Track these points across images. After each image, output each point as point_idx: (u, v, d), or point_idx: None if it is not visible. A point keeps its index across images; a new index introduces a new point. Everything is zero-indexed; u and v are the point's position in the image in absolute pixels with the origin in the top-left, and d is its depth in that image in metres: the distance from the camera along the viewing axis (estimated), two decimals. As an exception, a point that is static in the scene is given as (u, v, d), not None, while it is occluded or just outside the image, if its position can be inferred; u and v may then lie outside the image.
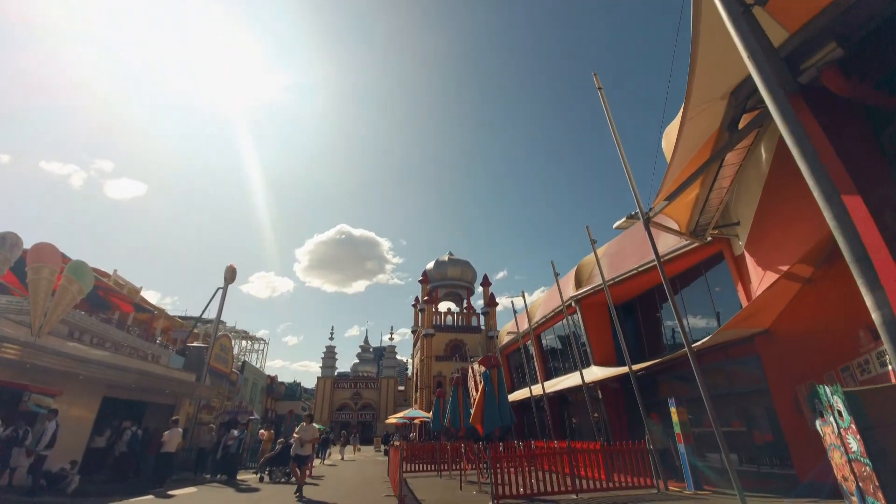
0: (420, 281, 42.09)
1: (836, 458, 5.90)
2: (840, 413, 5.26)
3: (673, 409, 9.74)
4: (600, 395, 16.04)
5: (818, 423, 6.22)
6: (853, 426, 4.97)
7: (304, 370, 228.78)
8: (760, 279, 9.26)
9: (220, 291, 21.65)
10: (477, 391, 22.74)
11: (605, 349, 17.00)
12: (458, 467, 14.42)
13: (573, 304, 17.35)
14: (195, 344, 22.70)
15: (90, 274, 12.44)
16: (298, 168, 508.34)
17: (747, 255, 10.08)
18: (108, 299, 18.53)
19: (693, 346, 7.88)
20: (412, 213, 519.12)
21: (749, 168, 8.38)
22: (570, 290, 17.43)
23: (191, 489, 11.53)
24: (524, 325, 21.90)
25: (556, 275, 14.02)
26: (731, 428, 11.87)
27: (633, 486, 9.12)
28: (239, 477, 14.11)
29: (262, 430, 17.68)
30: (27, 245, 11.15)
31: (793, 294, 8.22)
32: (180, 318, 31.48)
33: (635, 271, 13.25)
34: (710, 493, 8.70)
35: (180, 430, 12.24)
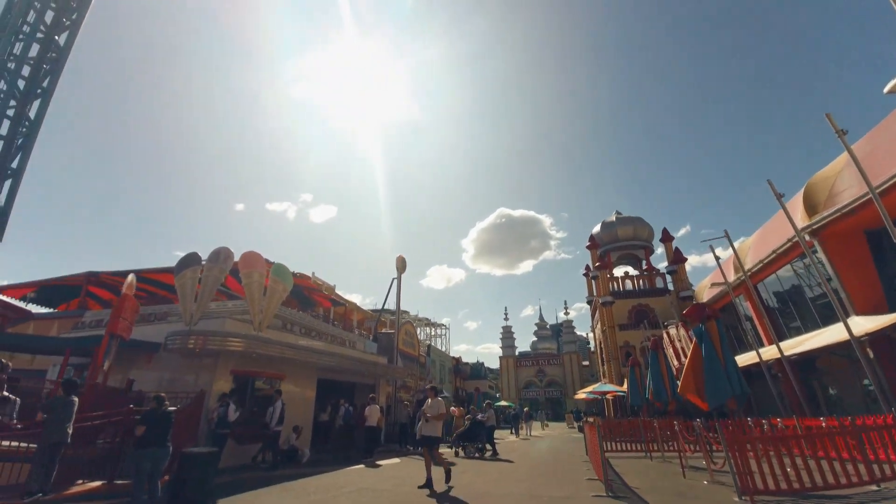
0: (588, 247, 38.69)
1: None
2: None
3: None
4: (871, 355, 11.47)
5: None
6: None
7: (486, 352, 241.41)
8: None
9: (395, 281, 23.36)
10: (678, 359, 19.33)
11: (869, 292, 12.17)
12: (672, 448, 12.08)
13: (808, 238, 12.83)
14: (384, 331, 25.07)
15: (289, 274, 14.28)
16: (454, 161, 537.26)
17: None
18: (311, 297, 21.66)
19: None
20: (569, 182, 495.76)
21: None
22: (798, 222, 12.95)
23: (395, 460, 12.23)
24: (732, 276, 17.55)
25: (780, 196, 10.20)
26: None
27: None
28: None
29: (452, 408, 18.19)
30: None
31: None
32: (372, 311, 35.51)
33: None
34: None
35: (377, 406, 13.16)
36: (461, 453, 13.77)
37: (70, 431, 6.03)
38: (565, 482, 8.45)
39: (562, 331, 64.09)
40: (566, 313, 65.97)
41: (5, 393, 6.92)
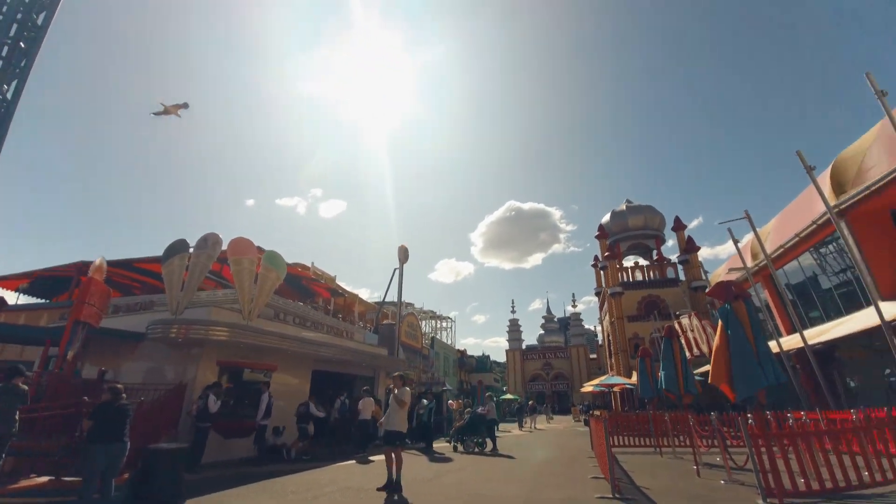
0: (597, 236, 37.70)
1: None
2: None
3: None
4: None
5: None
6: None
7: (494, 345, 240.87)
8: None
9: (396, 271, 22.74)
10: (690, 350, 18.49)
11: (894, 276, 11.27)
12: (684, 444, 11.35)
13: (832, 220, 11.92)
14: (386, 322, 24.52)
15: (282, 262, 13.67)
16: (462, 155, 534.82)
17: None
18: (310, 288, 21.14)
19: None
20: (579, 173, 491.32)
21: None
22: (820, 205, 12.04)
23: (390, 456, 11.64)
24: (751, 261, 16.65)
25: (811, 169, 9.22)
26: None
27: None
28: (435, 445, 14.01)
29: (451, 401, 17.58)
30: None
31: None
32: (375, 303, 35.04)
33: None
34: None
35: (372, 399, 12.56)
36: (460, 448, 13.17)
37: (17, 422, 5.47)
38: (567, 481, 7.78)
39: (569, 324, 63.29)
40: (574, 306, 64.91)
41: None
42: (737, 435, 7.71)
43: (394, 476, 6.76)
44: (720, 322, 5.93)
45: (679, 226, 34.46)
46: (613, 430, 13.41)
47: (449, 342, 45.67)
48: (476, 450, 12.81)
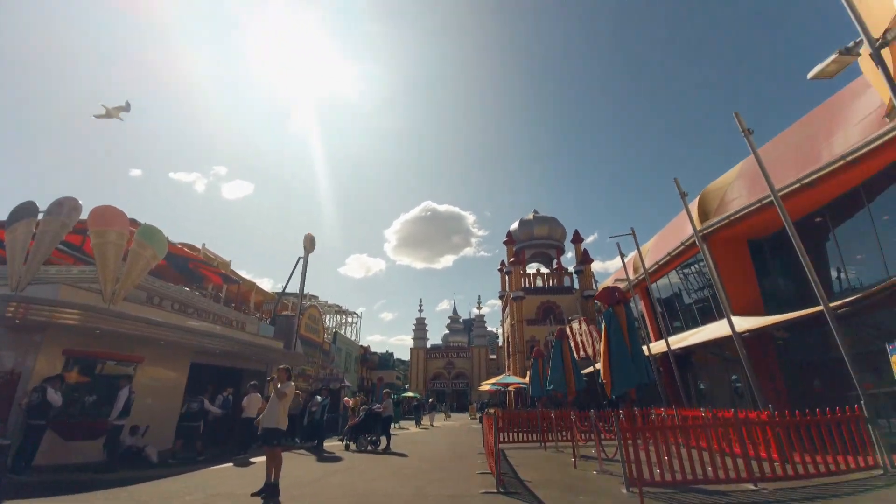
0: (505, 242, 39.53)
1: None
2: None
3: (894, 358, 6.40)
4: (744, 352, 12.54)
5: None
6: None
7: (399, 343, 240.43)
8: None
9: (301, 260, 21.44)
10: (578, 353, 20.10)
11: (746, 295, 13.28)
12: (565, 438, 12.20)
13: (696, 243, 13.77)
14: (285, 314, 22.98)
15: (163, 239, 12.01)
16: (384, 148, 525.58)
17: None
18: (199, 272, 18.98)
19: None
20: (495, 181, 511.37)
21: None
22: (689, 228, 13.84)
23: (274, 457, 10.79)
24: (633, 274, 18.56)
25: (684, 195, 10.58)
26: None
27: (836, 472, 6.13)
28: (326, 443, 13.38)
29: (346, 398, 17.00)
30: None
31: None
32: (276, 293, 32.78)
33: (824, 172, 9.33)
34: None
35: (259, 395, 11.57)
36: (352, 446, 12.71)
37: None
38: (457, 478, 7.84)
39: (473, 325, 65.45)
40: (479, 308, 67.62)
41: None
42: (610, 429, 8.41)
43: (272, 479, 6.19)
44: (604, 324, 6.43)
45: (577, 238, 37.51)
46: (505, 426, 14.00)
47: (353, 338, 44.43)
48: (369, 448, 12.47)
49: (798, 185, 9.87)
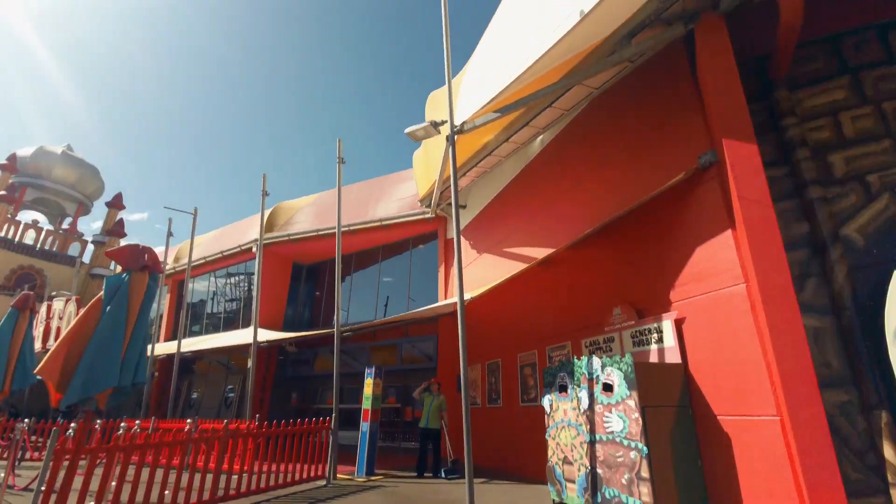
0: (1, 166, 25.81)
1: (563, 439, 5.27)
2: (609, 386, 4.71)
3: (369, 381, 8.01)
4: (250, 364, 12.91)
5: (550, 398, 5.75)
6: (629, 402, 4.44)
7: None
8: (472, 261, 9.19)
9: None
10: (46, 341, 14.54)
11: (274, 310, 14.06)
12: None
13: (254, 249, 13.66)
14: None
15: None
16: None
17: (464, 239, 9.94)
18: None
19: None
20: None
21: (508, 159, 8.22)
22: (252, 233, 13.72)
23: None
24: (172, 262, 16.04)
25: (266, 195, 10.18)
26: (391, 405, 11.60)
27: (295, 481, 6.60)
28: None
29: None
30: None
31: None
32: None
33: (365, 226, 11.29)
34: (381, 477, 7.37)
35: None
36: None
37: None
38: None
39: None
40: None
41: None
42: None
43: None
44: (102, 293, 4.27)
45: (117, 204, 29.70)
46: None
47: None
48: None
49: (348, 229, 11.77)
